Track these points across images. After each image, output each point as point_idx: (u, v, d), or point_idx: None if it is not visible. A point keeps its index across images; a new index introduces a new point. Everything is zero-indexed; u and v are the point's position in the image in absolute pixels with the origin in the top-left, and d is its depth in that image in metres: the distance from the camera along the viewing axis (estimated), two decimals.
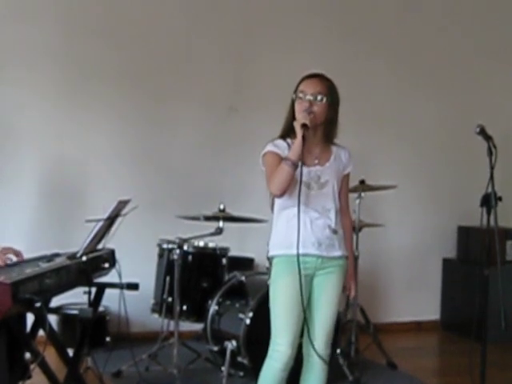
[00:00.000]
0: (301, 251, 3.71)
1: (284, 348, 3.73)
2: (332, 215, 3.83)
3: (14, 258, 4.07)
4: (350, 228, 4.08)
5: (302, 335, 3.86)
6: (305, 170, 3.67)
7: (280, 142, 3.84)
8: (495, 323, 3.70)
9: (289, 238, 3.76)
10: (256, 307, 4.96)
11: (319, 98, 3.77)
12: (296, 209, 3.71)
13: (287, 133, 3.85)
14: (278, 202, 3.84)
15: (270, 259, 3.94)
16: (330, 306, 3.84)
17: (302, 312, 3.77)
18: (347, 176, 4.00)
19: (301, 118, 3.69)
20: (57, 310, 5.71)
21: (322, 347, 3.84)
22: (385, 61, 7.36)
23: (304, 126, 3.64)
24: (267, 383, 3.79)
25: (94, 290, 4.53)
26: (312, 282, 3.82)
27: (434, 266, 7.63)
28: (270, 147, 3.82)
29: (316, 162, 3.82)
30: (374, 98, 7.28)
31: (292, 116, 3.83)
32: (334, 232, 3.84)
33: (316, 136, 3.82)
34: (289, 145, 3.79)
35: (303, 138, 3.61)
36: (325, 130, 3.86)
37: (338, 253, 3.85)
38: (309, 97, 3.75)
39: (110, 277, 4.53)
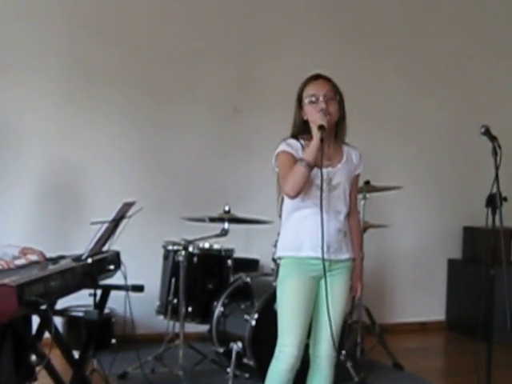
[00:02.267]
0: (309, 254, 3.72)
1: (290, 349, 3.73)
2: (342, 218, 3.83)
3: (35, 257, 4.10)
4: (359, 229, 4.07)
5: (308, 336, 3.86)
6: (317, 171, 3.65)
7: (293, 141, 3.81)
8: (501, 323, 3.70)
9: (298, 240, 3.76)
10: (261, 308, 4.96)
11: (331, 97, 3.76)
12: (308, 210, 3.73)
13: (298, 133, 3.84)
14: (288, 203, 3.80)
15: (275, 260, 3.93)
16: (338, 308, 3.82)
17: (309, 313, 3.78)
18: (357, 177, 3.99)
19: (317, 119, 3.66)
20: (62, 313, 5.71)
21: (329, 348, 3.84)
22: (390, 62, 7.36)
23: (321, 127, 3.61)
24: None
25: (99, 292, 4.53)
26: (319, 283, 3.81)
27: (440, 267, 7.63)
28: (283, 147, 3.79)
29: (328, 163, 3.77)
30: (378, 99, 7.27)
31: (301, 119, 3.82)
32: (344, 235, 3.83)
33: (329, 136, 3.78)
34: (302, 145, 3.78)
35: (322, 140, 3.59)
36: (336, 129, 3.85)
37: (345, 256, 3.84)
38: (322, 98, 3.73)
39: (116, 279, 4.54)
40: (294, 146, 3.78)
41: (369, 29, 7.27)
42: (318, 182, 3.66)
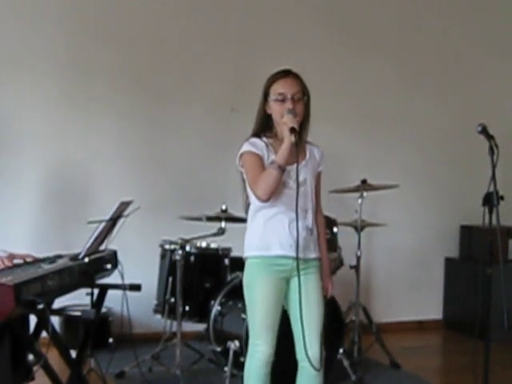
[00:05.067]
0: (278, 253, 3.69)
1: (264, 348, 3.69)
2: (310, 215, 3.79)
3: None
4: (324, 226, 4.02)
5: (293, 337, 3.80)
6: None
7: (257, 140, 3.77)
8: (498, 322, 3.70)
9: (265, 239, 3.72)
10: None
11: (299, 98, 3.73)
12: (275, 209, 3.70)
13: (261, 130, 3.81)
14: (255, 202, 3.75)
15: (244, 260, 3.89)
16: (316, 308, 3.77)
17: (279, 311, 3.73)
18: (320, 174, 3.95)
19: (288, 121, 3.61)
20: (59, 312, 5.70)
21: (315, 350, 3.75)
22: (387, 61, 7.37)
23: (293, 130, 3.56)
24: (254, 382, 3.74)
25: (96, 291, 4.53)
26: (289, 283, 3.77)
27: (437, 265, 7.63)
28: (247, 147, 3.74)
29: (294, 160, 3.63)
30: (375, 97, 7.27)
31: (265, 116, 3.80)
32: (311, 233, 3.79)
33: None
34: (266, 144, 3.74)
35: (296, 144, 3.54)
36: (301, 127, 3.74)
37: (313, 255, 3.80)
38: (290, 98, 3.70)
39: (113, 278, 4.53)
40: (258, 145, 3.74)
41: (367, 28, 7.27)
42: (285, 179, 3.64)
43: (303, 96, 3.76)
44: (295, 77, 3.80)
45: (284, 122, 3.64)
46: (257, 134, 3.82)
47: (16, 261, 4.04)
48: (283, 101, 3.72)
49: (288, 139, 3.57)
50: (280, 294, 3.75)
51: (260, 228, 3.75)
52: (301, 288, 3.63)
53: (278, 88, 3.75)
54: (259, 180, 3.62)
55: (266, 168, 3.65)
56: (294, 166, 3.62)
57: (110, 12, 6.50)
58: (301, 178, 3.69)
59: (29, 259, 4.09)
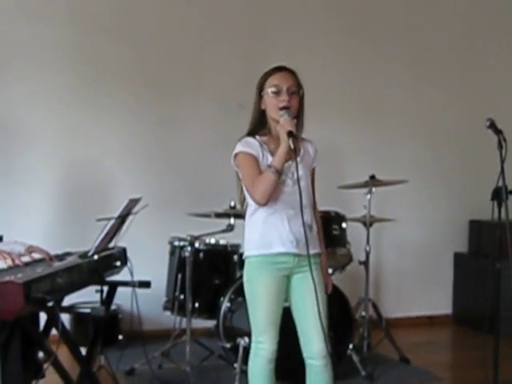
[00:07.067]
0: (280, 250, 3.66)
1: (268, 345, 3.69)
2: (308, 211, 3.72)
3: (40, 257, 4.11)
4: (320, 222, 3.96)
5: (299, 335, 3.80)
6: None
7: (251, 140, 3.73)
8: (508, 316, 3.72)
9: (266, 237, 3.69)
10: None
11: (294, 91, 3.68)
12: (273, 207, 3.65)
13: (256, 128, 3.78)
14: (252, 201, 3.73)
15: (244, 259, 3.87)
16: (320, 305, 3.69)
17: (281, 308, 3.72)
18: (314, 170, 3.90)
19: (285, 123, 3.55)
20: (69, 309, 5.71)
21: (322, 349, 3.71)
22: (396, 55, 7.34)
23: (291, 133, 3.50)
24: (259, 378, 3.73)
25: (106, 288, 4.54)
26: (290, 281, 3.74)
27: (446, 260, 7.62)
28: (241, 147, 3.72)
29: (289, 156, 3.59)
30: (384, 92, 7.25)
31: (259, 113, 3.76)
32: (310, 229, 3.73)
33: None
34: (260, 143, 3.71)
35: (294, 149, 3.49)
36: (296, 123, 3.68)
37: (313, 250, 3.72)
38: (286, 90, 3.65)
39: (122, 275, 4.54)
40: (252, 145, 3.71)
41: (376, 23, 7.25)
42: (282, 176, 3.60)
43: (298, 91, 3.72)
44: (290, 72, 3.76)
45: (281, 124, 3.58)
46: (251, 133, 3.78)
47: (34, 255, 4.06)
48: (278, 93, 3.67)
49: (286, 143, 3.52)
50: (281, 291, 3.73)
51: (260, 226, 3.72)
52: (314, 283, 3.56)
53: (274, 80, 3.70)
54: (257, 184, 3.60)
55: (262, 169, 3.63)
56: (289, 162, 3.60)
57: (120, 9, 6.50)
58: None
59: (46, 257, 4.11)
